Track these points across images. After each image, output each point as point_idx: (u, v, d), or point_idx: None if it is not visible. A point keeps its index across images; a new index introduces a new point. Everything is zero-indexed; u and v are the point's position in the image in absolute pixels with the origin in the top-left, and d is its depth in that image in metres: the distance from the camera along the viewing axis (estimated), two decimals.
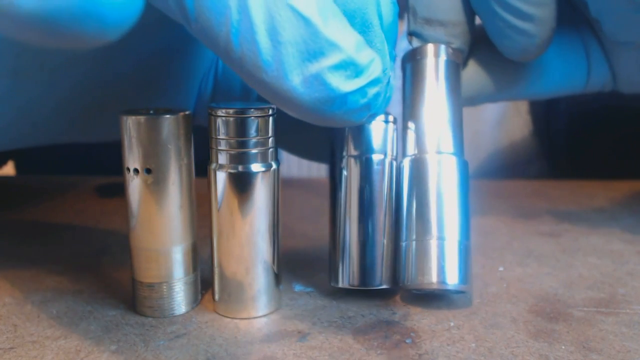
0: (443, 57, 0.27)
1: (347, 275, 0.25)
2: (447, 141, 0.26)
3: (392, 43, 0.23)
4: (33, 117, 0.26)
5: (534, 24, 0.26)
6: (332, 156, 0.25)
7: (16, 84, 0.24)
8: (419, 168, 0.25)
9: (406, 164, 0.26)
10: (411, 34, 0.28)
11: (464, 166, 0.26)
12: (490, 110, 0.52)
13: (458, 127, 0.27)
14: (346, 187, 0.25)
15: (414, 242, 0.25)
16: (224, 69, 0.28)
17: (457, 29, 0.28)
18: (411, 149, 0.26)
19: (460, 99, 0.28)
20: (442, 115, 0.26)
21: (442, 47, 0.28)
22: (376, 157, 0.24)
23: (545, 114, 0.48)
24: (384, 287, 0.25)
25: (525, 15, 0.26)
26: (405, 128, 0.27)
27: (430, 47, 0.28)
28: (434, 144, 0.26)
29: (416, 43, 0.28)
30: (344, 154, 0.25)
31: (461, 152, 0.26)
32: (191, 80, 0.28)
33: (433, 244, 0.24)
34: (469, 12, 0.28)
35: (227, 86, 0.28)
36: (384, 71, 0.21)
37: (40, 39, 0.14)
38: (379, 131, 0.24)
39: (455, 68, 0.28)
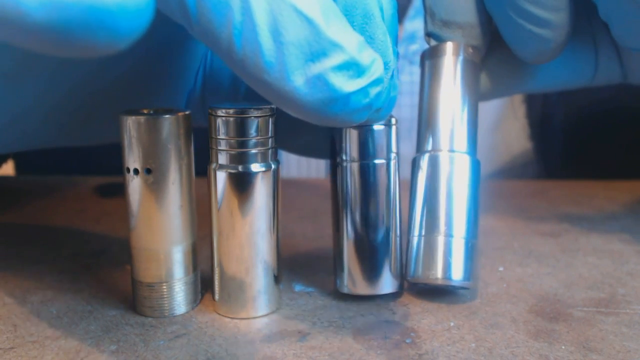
0: (462, 56, 0.28)
1: (352, 282, 0.25)
2: (461, 140, 0.26)
3: (394, 38, 0.22)
4: (23, 125, 0.25)
5: (550, 29, 0.26)
6: (333, 159, 0.25)
7: (6, 90, 0.23)
8: (432, 165, 0.26)
9: (419, 160, 0.26)
10: (429, 35, 0.28)
11: (476, 165, 0.26)
12: (487, 114, 0.51)
13: (472, 126, 0.27)
14: (348, 193, 0.24)
15: (422, 238, 0.25)
16: (212, 66, 0.28)
17: (474, 31, 0.28)
18: (425, 145, 0.27)
19: (477, 99, 0.28)
20: (457, 114, 0.27)
21: (462, 46, 0.28)
22: (378, 162, 0.24)
23: (542, 118, 0.48)
24: (389, 292, 0.25)
25: (540, 21, 0.26)
26: (420, 123, 0.27)
27: (449, 46, 0.28)
28: (448, 142, 0.26)
29: (434, 44, 0.28)
30: (346, 158, 0.24)
31: (474, 151, 0.27)
32: (182, 79, 0.28)
33: (441, 240, 0.25)
34: (486, 13, 0.28)
35: (215, 83, 0.28)
36: (385, 68, 0.21)
37: (48, 48, 0.13)
38: (381, 135, 0.24)
39: (473, 67, 0.28)
